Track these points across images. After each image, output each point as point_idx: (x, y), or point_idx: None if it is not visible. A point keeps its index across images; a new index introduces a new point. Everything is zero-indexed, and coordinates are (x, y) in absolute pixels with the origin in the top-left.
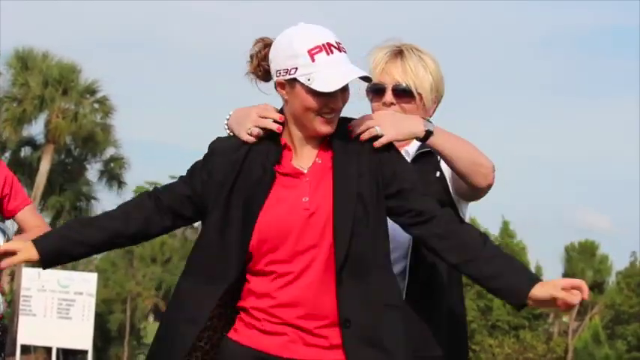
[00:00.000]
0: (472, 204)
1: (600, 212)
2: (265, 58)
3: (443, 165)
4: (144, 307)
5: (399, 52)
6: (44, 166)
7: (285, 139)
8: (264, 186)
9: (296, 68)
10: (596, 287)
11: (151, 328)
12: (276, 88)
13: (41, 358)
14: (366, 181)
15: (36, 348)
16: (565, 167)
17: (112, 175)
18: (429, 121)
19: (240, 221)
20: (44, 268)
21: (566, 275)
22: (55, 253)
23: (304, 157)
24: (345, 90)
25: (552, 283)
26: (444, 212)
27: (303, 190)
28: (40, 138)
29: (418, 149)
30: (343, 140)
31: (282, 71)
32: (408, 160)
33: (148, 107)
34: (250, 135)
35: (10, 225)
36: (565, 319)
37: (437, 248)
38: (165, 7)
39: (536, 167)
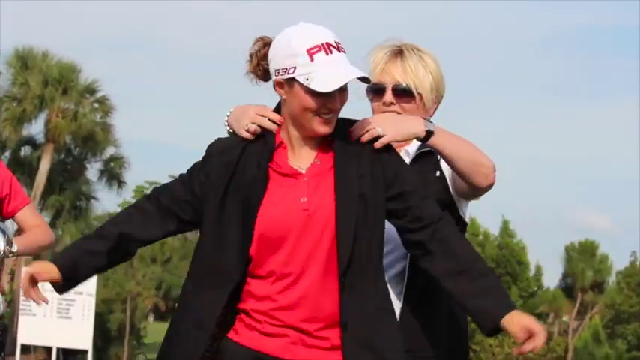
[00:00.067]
0: (472, 203)
1: (600, 212)
2: (265, 57)
3: (443, 165)
4: (144, 306)
5: (399, 52)
6: (44, 166)
7: (283, 139)
8: (260, 186)
9: (295, 68)
10: (596, 287)
11: (151, 327)
12: (274, 87)
13: (41, 357)
14: (367, 183)
15: (36, 347)
16: (565, 167)
17: (112, 175)
18: (429, 121)
19: (239, 223)
20: (61, 290)
21: (566, 275)
22: (72, 265)
23: (303, 158)
24: (343, 90)
25: (521, 320)
26: (442, 222)
27: (301, 191)
28: (40, 137)
29: (418, 149)
30: (344, 141)
31: (280, 70)
32: (408, 159)
33: (148, 107)
34: (248, 132)
35: (10, 225)
36: (565, 318)
37: (426, 256)
38: (165, 7)
39: (536, 167)
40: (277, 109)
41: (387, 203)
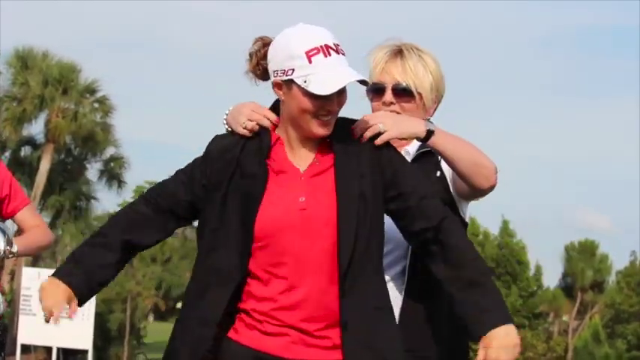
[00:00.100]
0: (472, 203)
1: (600, 212)
2: (264, 57)
3: (444, 165)
4: (144, 306)
5: (398, 52)
6: (44, 166)
7: (282, 138)
8: (259, 186)
9: (293, 69)
10: (596, 286)
11: (150, 327)
12: (273, 88)
13: (41, 357)
14: (367, 182)
15: (36, 347)
16: (565, 167)
17: (112, 175)
18: (429, 122)
19: (239, 223)
20: (80, 305)
21: (566, 275)
22: (87, 287)
23: (302, 157)
24: (342, 93)
25: (492, 343)
26: (444, 223)
27: (300, 190)
28: (40, 137)
29: (419, 149)
30: (343, 141)
31: (279, 72)
32: (409, 159)
33: (148, 107)
34: (245, 129)
35: (9, 225)
36: (565, 318)
37: (427, 257)
38: (166, 7)
39: (536, 167)
40: (274, 107)
41: (387, 203)
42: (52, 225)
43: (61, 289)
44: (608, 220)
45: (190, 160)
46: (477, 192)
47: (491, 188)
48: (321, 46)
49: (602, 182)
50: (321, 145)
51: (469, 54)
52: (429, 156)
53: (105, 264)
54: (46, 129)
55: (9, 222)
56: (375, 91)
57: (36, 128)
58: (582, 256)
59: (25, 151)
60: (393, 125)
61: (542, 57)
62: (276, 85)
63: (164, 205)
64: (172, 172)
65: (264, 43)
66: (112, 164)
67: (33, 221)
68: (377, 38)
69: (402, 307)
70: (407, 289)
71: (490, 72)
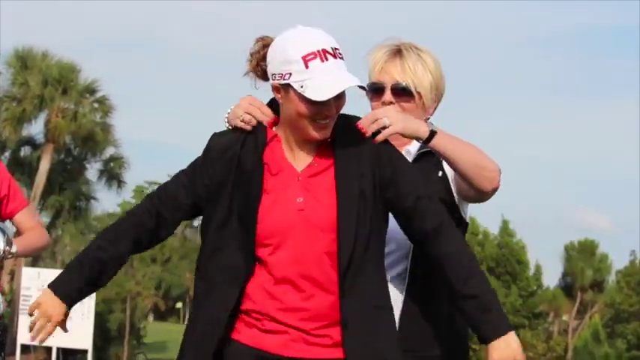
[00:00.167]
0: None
1: (600, 212)
2: (264, 58)
3: (445, 165)
4: (144, 306)
5: (397, 51)
6: (44, 166)
7: (279, 136)
8: (257, 186)
9: (290, 74)
10: (596, 286)
11: (150, 327)
12: (272, 90)
13: (41, 357)
14: (368, 181)
15: (36, 347)
16: (565, 167)
17: (112, 175)
18: (431, 123)
19: (241, 224)
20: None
21: (566, 274)
22: (76, 296)
23: (301, 158)
24: (339, 97)
25: (492, 356)
26: (441, 225)
27: (297, 190)
28: (40, 137)
29: (420, 148)
30: (344, 140)
31: (277, 75)
32: (410, 159)
33: (148, 107)
34: (242, 122)
35: (9, 225)
36: (565, 317)
37: (427, 257)
38: (166, 7)
39: (536, 167)
40: (270, 104)
41: (387, 202)
42: (52, 225)
43: (57, 308)
44: (608, 220)
45: (191, 160)
46: (480, 194)
47: (495, 191)
48: (319, 51)
49: (602, 182)
50: (320, 146)
51: (469, 54)
52: (430, 156)
53: (99, 279)
54: (46, 129)
55: (7, 223)
56: (375, 90)
57: (36, 128)
58: (582, 255)
59: (25, 151)
60: (397, 120)
61: (542, 57)
62: (275, 89)
63: (165, 212)
64: (172, 172)
65: (265, 44)
66: (111, 164)
67: (31, 223)
68: (377, 38)
69: (403, 308)
70: (408, 289)
71: (490, 72)
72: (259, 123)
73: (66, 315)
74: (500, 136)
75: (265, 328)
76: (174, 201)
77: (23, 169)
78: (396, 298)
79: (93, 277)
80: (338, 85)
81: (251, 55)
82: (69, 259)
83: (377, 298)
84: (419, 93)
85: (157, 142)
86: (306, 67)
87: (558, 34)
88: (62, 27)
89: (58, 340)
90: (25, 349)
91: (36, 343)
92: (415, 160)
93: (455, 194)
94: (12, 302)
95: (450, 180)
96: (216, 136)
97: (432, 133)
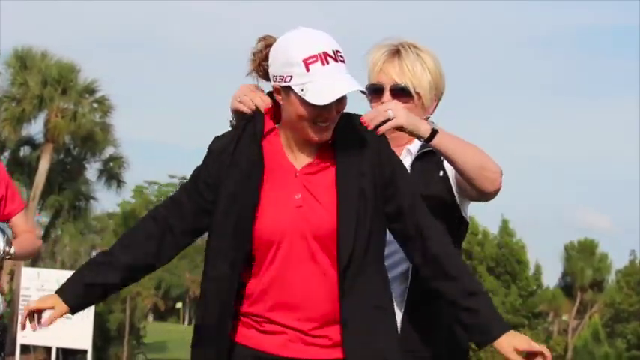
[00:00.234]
0: (472, 203)
1: (600, 212)
2: (265, 58)
3: (446, 164)
4: (143, 306)
5: (396, 52)
6: (43, 166)
7: (279, 134)
8: (254, 186)
9: (291, 76)
10: (596, 286)
11: (150, 327)
12: (273, 91)
13: (41, 357)
14: (368, 181)
15: (36, 347)
16: (565, 167)
17: (111, 175)
18: (432, 122)
19: (238, 224)
20: (73, 313)
21: (565, 274)
22: (81, 302)
23: (301, 157)
24: (340, 100)
25: (520, 339)
26: (435, 230)
27: (295, 188)
28: (40, 137)
29: (420, 148)
30: (345, 139)
31: (277, 77)
32: (411, 158)
33: (148, 107)
34: (241, 102)
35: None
36: (564, 317)
37: (421, 266)
38: (166, 7)
39: (536, 167)
40: (271, 94)
41: (385, 202)
42: (52, 225)
43: (54, 300)
44: (608, 220)
45: (191, 160)
46: (483, 196)
47: (497, 192)
48: (320, 54)
49: (602, 182)
50: (321, 147)
51: (469, 54)
52: (431, 155)
53: (107, 283)
54: (46, 129)
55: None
56: (374, 91)
57: (35, 128)
58: (582, 255)
59: (25, 151)
60: (401, 115)
61: (542, 57)
62: (275, 90)
63: (173, 222)
64: (172, 172)
65: (267, 44)
66: (111, 164)
67: (26, 226)
68: (377, 38)
69: (405, 308)
70: (409, 289)
71: (490, 72)
72: (257, 112)
73: (62, 309)
74: (500, 136)
75: (263, 329)
76: (180, 209)
77: (23, 169)
78: (398, 298)
79: (92, 281)
80: (339, 89)
81: (253, 54)
82: (68, 259)
83: (377, 298)
84: (418, 93)
85: (156, 142)
86: (307, 70)
87: (558, 34)
88: (62, 27)
89: (57, 340)
90: (25, 349)
91: (35, 343)
92: (416, 159)
93: (456, 194)
94: (12, 302)
95: (451, 179)
96: (215, 139)
97: (434, 132)
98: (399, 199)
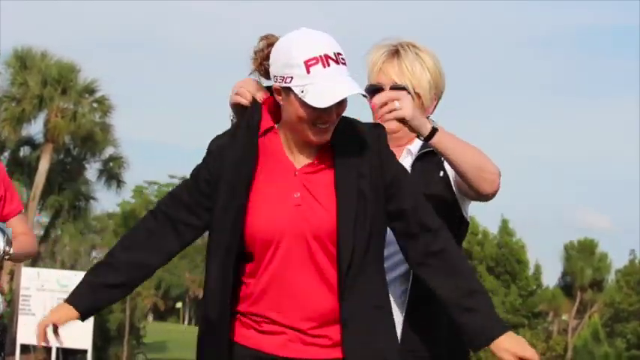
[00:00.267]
0: (472, 203)
1: (600, 212)
2: (267, 57)
3: (446, 165)
4: (143, 306)
5: (395, 52)
6: (43, 166)
7: (280, 137)
8: (248, 179)
9: (291, 78)
10: (596, 285)
11: (150, 327)
12: (273, 91)
13: (41, 357)
14: (367, 182)
15: (35, 347)
16: (565, 167)
17: (111, 175)
18: (433, 121)
19: (235, 222)
20: (84, 319)
21: (565, 273)
22: (91, 306)
23: (300, 157)
24: (340, 103)
25: (515, 341)
26: (438, 229)
27: (294, 186)
28: (39, 137)
29: (421, 148)
30: (344, 141)
31: (278, 78)
32: (411, 159)
33: (148, 107)
34: (238, 95)
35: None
36: (564, 317)
37: (419, 267)
38: (166, 7)
39: (536, 167)
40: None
41: (386, 203)
42: (51, 225)
43: (65, 313)
44: (608, 220)
45: (190, 160)
46: (480, 196)
47: (494, 194)
48: (321, 56)
49: (602, 182)
50: (321, 147)
51: (469, 54)
52: (431, 156)
53: (110, 284)
54: (45, 129)
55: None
56: (374, 92)
57: (35, 128)
58: (582, 255)
59: (24, 151)
60: (408, 108)
61: (542, 57)
62: (275, 90)
63: (172, 216)
64: (172, 172)
65: (269, 43)
66: (111, 164)
67: (23, 228)
68: (377, 38)
69: (406, 309)
70: (411, 289)
71: (490, 72)
72: (255, 103)
73: (72, 316)
74: (500, 136)
75: (263, 329)
76: (179, 203)
77: (22, 169)
78: (398, 299)
79: (97, 281)
80: (339, 92)
81: (255, 53)
82: (68, 259)
83: (377, 299)
84: (417, 93)
85: (156, 142)
86: (308, 72)
87: (558, 34)
88: (62, 27)
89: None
90: (25, 349)
91: (36, 343)
92: (417, 159)
93: (456, 193)
94: (11, 302)
95: (451, 180)
96: (215, 139)
97: (434, 131)
98: (400, 200)
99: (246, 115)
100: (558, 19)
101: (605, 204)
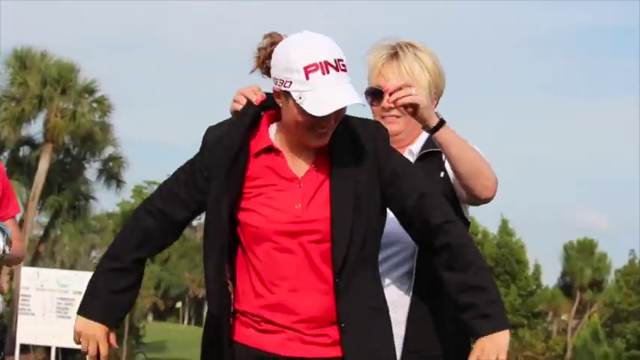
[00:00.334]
0: None
1: (600, 212)
2: (269, 56)
3: (447, 166)
4: (143, 306)
5: (394, 54)
6: (43, 166)
7: (280, 141)
8: (252, 186)
9: (290, 82)
10: (595, 285)
11: (149, 327)
12: (273, 93)
13: (40, 357)
14: (364, 183)
15: (35, 347)
16: (565, 167)
17: (111, 175)
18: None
19: (231, 222)
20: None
21: (565, 273)
22: (115, 316)
23: (300, 162)
24: (338, 110)
25: (489, 349)
26: (447, 220)
27: (297, 197)
28: (39, 137)
29: (422, 148)
30: (342, 142)
31: (278, 81)
32: (413, 159)
33: (148, 107)
34: (235, 102)
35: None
36: (564, 317)
37: (432, 257)
38: (166, 7)
39: (536, 167)
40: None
41: (387, 202)
42: (51, 225)
43: (96, 329)
44: (608, 220)
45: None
46: (473, 200)
47: (488, 200)
48: (321, 63)
49: (602, 182)
50: (320, 149)
51: (469, 54)
52: (432, 156)
53: (124, 289)
54: (45, 129)
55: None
56: (373, 94)
57: (34, 128)
58: (581, 255)
59: (24, 151)
60: (422, 97)
61: (542, 57)
62: (275, 93)
63: (169, 212)
64: (171, 172)
65: (272, 42)
66: (110, 164)
67: (15, 234)
68: (377, 38)
69: (410, 308)
70: (414, 289)
71: (490, 72)
72: (250, 107)
73: (109, 331)
74: (500, 136)
75: (262, 328)
76: (175, 200)
77: (22, 169)
78: (403, 298)
79: (114, 288)
80: (337, 101)
81: (258, 50)
82: (68, 258)
83: (372, 299)
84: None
85: (156, 142)
86: (307, 78)
87: (558, 34)
88: (61, 27)
89: (57, 339)
90: (25, 348)
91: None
92: (418, 159)
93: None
94: (11, 302)
95: (452, 179)
96: (210, 129)
97: (442, 122)
98: (401, 199)
99: (239, 114)
100: (558, 19)
101: (604, 204)
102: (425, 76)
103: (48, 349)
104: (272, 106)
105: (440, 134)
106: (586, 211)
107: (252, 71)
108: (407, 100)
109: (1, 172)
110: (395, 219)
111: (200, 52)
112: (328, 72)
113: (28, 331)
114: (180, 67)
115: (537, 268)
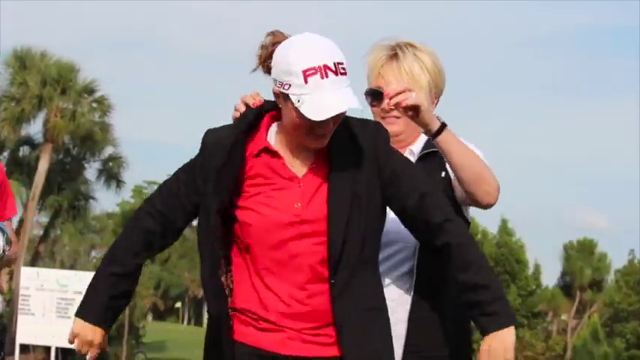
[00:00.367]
0: None
1: (600, 212)
2: (271, 55)
3: (448, 166)
4: (142, 306)
5: (394, 55)
6: (42, 166)
7: (280, 141)
8: (251, 185)
9: (289, 85)
10: (595, 285)
11: (149, 327)
12: (273, 93)
13: (40, 357)
14: (363, 184)
15: (35, 347)
16: (565, 167)
17: (111, 175)
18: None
19: (218, 221)
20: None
21: (565, 273)
22: (111, 317)
23: (300, 162)
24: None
25: (495, 349)
26: (447, 219)
27: (296, 196)
28: (39, 137)
29: (423, 149)
30: (341, 142)
31: (277, 82)
32: (413, 159)
33: (148, 107)
34: (237, 110)
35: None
36: (564, 317)
37: (435, 255)
38: (166, 7)
39: (536, 167)
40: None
41: (387, 202)
42: (51, 225)
43: (95, 334)
44: (608, 220)
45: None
46: (475, 204)
47: (489, 206)
48: (320, 67)
49: (602, 182)
50: (319, 150)
51: (469, 54)
52: (433, 156)
53: (123, 293)
54: (45, 129)
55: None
56: (373, 95)
57: (34, 128)
58: (581, 254)
59: (24, 151)
60: (422, 99)
61: (542, 57)
62: (275, 94)
63: (169, 213)
64: (171, 172)
65: (275, 41)
66: (110, 164)
67: (12, 236)
68: (376, 38)
69: (411, 307)
70: (415, 288)
71: (490, 72)
72: (250, 111)
73: (104, 334)
74: (500, 136)
75: (261, 327)
76: (176, 201)
77: (22, 168)
78: (403, 297)
79: (114, 293)
80: (335, 106)
81: (260, 48)
82: (68, 258)
83: (371, 300)
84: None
85: (156, 142)
86: (306, 82)
87: (558, 34)
88: (61, 27)
89: (57, 339)
90: (24, 348)
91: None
92: (419, 160)
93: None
94: (11, 302)
95: (453, 180)
96: (209, 131)
97: (443, 126)
98: (401, 199)
99: (239, 117)
100: (558, 19)
101: (604, 204)
102: (425, 76)
103: (48, 349)
104: (273, 107)
105: (442, 139)
106: (586, 211)
107: (254, 70)
108: (409, 102)
109: (1, 171)
110: (395, 218)
111: (200, 52)
112: (327, 76)
113: (27, 331)
114: (180, 67)
115: (537, 268)
